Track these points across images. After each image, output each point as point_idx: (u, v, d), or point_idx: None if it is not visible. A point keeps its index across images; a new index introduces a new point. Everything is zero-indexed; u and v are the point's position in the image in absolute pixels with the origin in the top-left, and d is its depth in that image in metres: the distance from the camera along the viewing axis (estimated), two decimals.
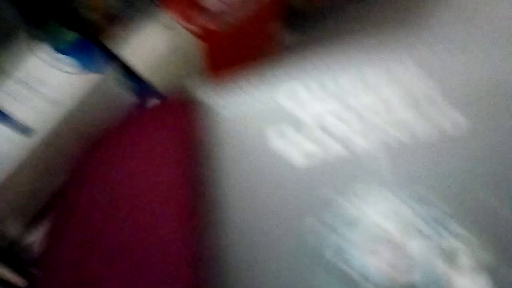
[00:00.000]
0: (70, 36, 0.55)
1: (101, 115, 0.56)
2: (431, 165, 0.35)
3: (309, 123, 0.39)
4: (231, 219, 0.37)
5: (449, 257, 0.32)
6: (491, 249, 0.32)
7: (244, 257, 0.35)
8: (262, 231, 0.36)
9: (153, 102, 0.61)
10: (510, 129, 0.35)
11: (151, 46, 0.59)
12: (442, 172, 0.35)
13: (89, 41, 0.56)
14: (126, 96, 0.61)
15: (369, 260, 0.33)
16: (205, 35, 0.50)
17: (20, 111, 0.50)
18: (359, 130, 0.38)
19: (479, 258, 0.32)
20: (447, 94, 0.38)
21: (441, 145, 0.36)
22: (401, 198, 0.35)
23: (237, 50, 0.53)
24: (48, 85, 0.53)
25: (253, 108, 0.41)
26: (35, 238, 0.52)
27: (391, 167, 0.36)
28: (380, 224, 0.34)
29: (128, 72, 0.59)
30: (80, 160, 0.48)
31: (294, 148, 0.38)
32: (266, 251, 0.35)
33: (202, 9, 0.48)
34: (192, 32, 0.51)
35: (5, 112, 0.49)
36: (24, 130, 0.50)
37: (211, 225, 0.37)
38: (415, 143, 0.36)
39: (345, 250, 0.34)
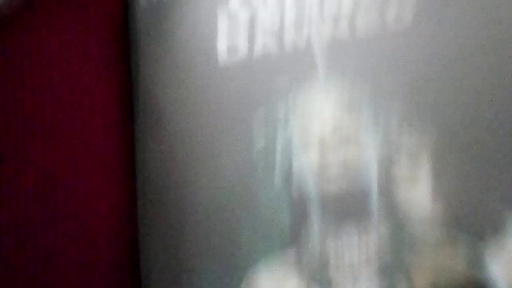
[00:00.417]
0: None
1: None
2: (372, 60, 0.35)
3: (244, 17, 0.37)
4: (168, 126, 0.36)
5: (385, 167, 0.32)
6: (434, 130, 0.32)
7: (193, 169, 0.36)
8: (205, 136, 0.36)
9: None
10: (453, 26, 0.34)
11: None
12: (385, 67, 0.34)
13: None
14: None
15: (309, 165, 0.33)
16: None
17: None
18: (296, 24, 0.37)
19: (419, 140, 0.32)
20: None
21: (382, 40, 0.35)
22: (339, 99, 0.34)
23: None
24: None
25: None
26: None
27: (326, 64, 0.35)
28: (313, 131, 0.34)
29: None
30: None
31: (230, 42, 0.37)
32: (218, 168, 0.35)
33: None
34: None
35: None
36: None
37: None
38: (353, 38, 0.35)
39: (294, 173, 0.34)
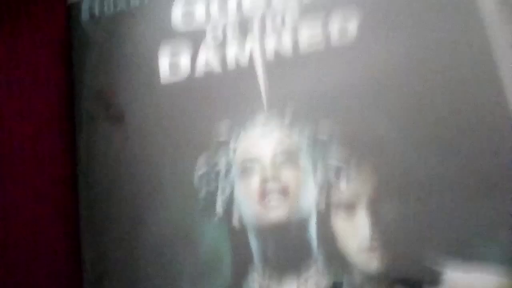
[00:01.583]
0: None
1: None
2: (312, 79, 0.34)
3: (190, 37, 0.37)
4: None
5: (326, 190, 0.33)
6: (372, 181, 0.32)
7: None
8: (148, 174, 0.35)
9: None
10: (396, 42, 0.33)
11: None
12: (323, 87, 0.34)
13: None
14: None
15: (252, 204, 0.33)
16: None
17: None
18: (239, 39, 0.36)
19: (358, 192, 0.32)
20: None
21: (325, 55, 0.34)
22: (278, 124, 0.34)
23: None
24: None
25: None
26: None
27: (271, 87, 0.35)
28: (254, 156, 0.34)
29: None
30: None
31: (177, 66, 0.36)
32: (158, 200, 0.34)
33: None
34: None
35: None
36: None
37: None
38: (296, 54, 0.35)
39: (235, 200, 0.33)
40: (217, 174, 0.34)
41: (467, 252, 0.30)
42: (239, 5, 0.37)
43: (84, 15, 0.39)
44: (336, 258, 0.31)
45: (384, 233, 0.31)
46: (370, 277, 0.30)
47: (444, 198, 0.31)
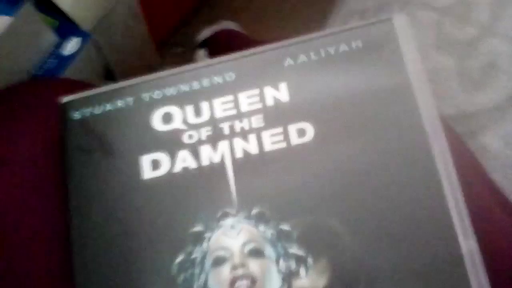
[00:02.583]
0: None
1: (21, 57, 0.54)
2: (274, 179, 0.39)
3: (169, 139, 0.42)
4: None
5: (288, 278, 0.37)
6: (327, 273, 0.37)
7: None
8: (129, 269, 0.39)
9: (74, 41, 0.59)
10: (353, 144, 0.39)
11: None
12: (284, 187, 0.39)
13: None
14: (45, 35, 0.58)
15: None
16: None
17: None
18: (209, 142, 0.41)
19: (315, 282, 0.37)
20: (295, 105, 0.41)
21: (286, 156, 0.39)
22: (246, 219, 0.39)
23: None
24: None
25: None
26: None
27: (240, 187, 0.39)
28: (225, 246, 0.38)
29: (46, 7, 0.56)
30: None
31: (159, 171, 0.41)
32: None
33: None
34: None
35: None
36: None
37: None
38: (261, 155, 0.40)
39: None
40: (193, 262, 0.38)
41: None
42: (212, 112, 0.42)
43: (74, 115, 0.44)
44: None
45: None
46: None
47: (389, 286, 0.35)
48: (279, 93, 0.41)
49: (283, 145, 0.40)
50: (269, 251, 0.37)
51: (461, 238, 0.36)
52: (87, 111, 0.44)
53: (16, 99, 0.51)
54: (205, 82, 0.43)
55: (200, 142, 0.41)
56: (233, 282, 0.37)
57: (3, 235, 0.44)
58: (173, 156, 0.41)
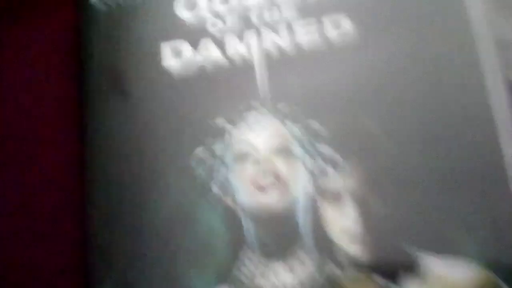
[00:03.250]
0: None
1: None
2: (306, 76, 0.36)
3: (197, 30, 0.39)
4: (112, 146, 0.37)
5: (315, 178, 0.34)
6: (358, 174, 0.34)
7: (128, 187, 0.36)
8: (150, 158, 0.37)
9: None
10: (395, 44, 0.36)
11: None
12: (316, 85, 0.36)
13: None
14: None
15: (246, 189, 0.35)
16: None
17: None
18: (239, 35, 0.38)
19: (345, 182, 0.34)
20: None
21: (320, 54, 0.37)
22: (275, 116, 0.36)
23: None
24: None
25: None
26: None
27: (268, 81, 0.37)
28: (248, 141, 0.35)
29: None
30: None
31: (185, 64, 0.38)
32: (152, 179, 0.36)
33: None
34: None
35: None
36: None
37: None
38: (297, 52, 0.37)
39: (230, 183, 0.35)
40: (214, 157, 0.35)
41: (446, 246, 0.32)
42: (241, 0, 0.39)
43: (95, 2, 0.41)
44: (322, 240, 0.33)
45: (367, 220, 0.33)
46: (354, 260, 0.32)
47: (424, 191, 0.33)
48: None
49: (317, 39, 0.37)
50: (295, 148, 0.35)
51: (504, 145, 0.33)
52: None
53: None
54: None
55: (225, 31, 0.38)
56: (255, 177, 0.34)
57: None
58: (195, 45, 0.38)
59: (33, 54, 0.45)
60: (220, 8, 0.39)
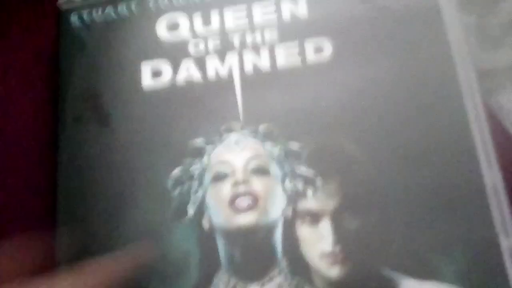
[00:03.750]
0: None
1: None
2: (286, 97, 0.36)
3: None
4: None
5: (293, 199, 0.34)
6: (337, 195, 0.34)
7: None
8: (125, 181, 0.36)
9: None
10: (374, 64, 0.36)
11: None
12: (296, 105, 0.36)
13: None
14: None
15: (223, 210, 0.34)
16: None
17: None
18: (220, 52, 0.38)
19: (323, 203, 0.34)
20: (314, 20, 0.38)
21: (300, 74, 0.36)
22: (256, 137, 0.36)
23: None
24: None
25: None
26: None
27: (248, 103, 0.36)
28: (227, 161, 0.35)
29: None
30: None
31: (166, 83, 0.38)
32: (127, 202, 0.35)
33: None
34: None
35: None
36: None
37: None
38: (277, 74, 0.37)
39: (207, 205, 0.35)
40: (191, 177, 0.35)
41: (425, 270, 0.31)
42: (222, 22, 0.39)
43: (74, 21, 0.41)
44: (299, 263, 0.32)
45: (345, 243, 0.32)
46: (331, 282, 0.31)
47: (403, 213, 0.32)
48: (296, 7, 0.38)
49: (297, 61, 0.37)
50: (274, 169, 0.34)
51: (484, 169, 0.33)
52: (87, 17, 0.40)
53: None
54: None
55: (207, 52, 0.38)
56: (233, 198, 0.34)
57: None
58: (176, 65, 0.38)
59: (13, 68, 0.44)
60: (202, 29, 0.39)
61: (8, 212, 0.40)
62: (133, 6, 0.40)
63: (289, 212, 0.33)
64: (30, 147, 0.41)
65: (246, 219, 0.33)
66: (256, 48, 0.38)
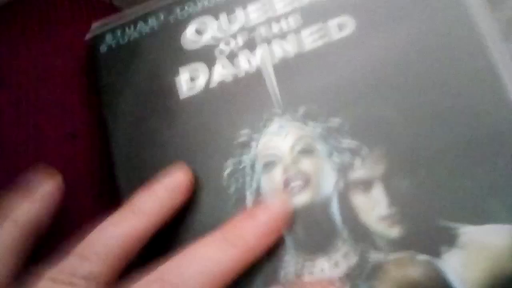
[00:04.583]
0: None
1: None
2: (319, 76, 0.38)
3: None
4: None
5: (343, 171, 0.35)
6: (384, 160, 0.35)
7: None
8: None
9: None
10: (397, 30, 0.37)
11: None
12: (330, 82, 0.37)
13: None
14: None
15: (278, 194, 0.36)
16: None
17: None
18: (247, 47, 0.40)
19: (372, 170, 0.35)
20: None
21: (328, 52, 0.38)
22: (297, 119, 0.37)
23: None
24: None
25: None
26: None
27: (286, 88, 0.38)
28: (274, 148, 0.37)
29: None
30: None
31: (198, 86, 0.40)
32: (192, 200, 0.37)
33: None
34: None
35: None
36: None
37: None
38: (301, 54, 0.39)
39: (263, 191, 0.36)
40: (243, 171, 0.37)
41: (481, 215, 0.32)
42: (247, 17, 0.41)
43: (102, 48, 0.43)
44: (360, 230, 0.34)
45: (400, 203, 0.33)
46: (394, 242, 0.33)
47: (449, 165, 0.34)
48: None
49: (323, 41, 0.38)
50: (320, 147, 0.36)
51: None
52: (113, 42, 0.43)
53: None
54: None
55: (238, 49, 0.40)
56: (286, 183, 0.36)
57: None
58: (211, 66, 0.40)
59: (49, 67, 0.46)
60: (230, 28, 0.41)
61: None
62: (161, 17, 0.42)
63: (341, 185, 0.35)
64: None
65: (302, 199, 0.35)
66: (283, 36, 0.39)
